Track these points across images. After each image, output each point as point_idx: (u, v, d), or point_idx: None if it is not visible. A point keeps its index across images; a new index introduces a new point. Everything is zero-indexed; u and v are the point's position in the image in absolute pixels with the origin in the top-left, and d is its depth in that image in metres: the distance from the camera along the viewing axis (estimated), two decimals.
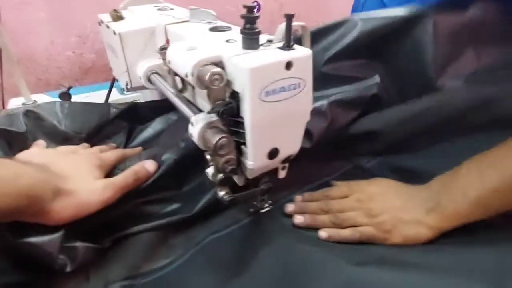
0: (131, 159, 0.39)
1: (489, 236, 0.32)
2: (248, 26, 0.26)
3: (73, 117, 0.43)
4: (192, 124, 0.28)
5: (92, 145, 0.42)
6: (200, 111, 0.32)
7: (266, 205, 0.37)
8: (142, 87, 0.45)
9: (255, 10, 0.26)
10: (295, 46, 0.27)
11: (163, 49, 0.32)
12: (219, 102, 0.27)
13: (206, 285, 0.30)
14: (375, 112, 0.44)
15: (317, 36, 0.44)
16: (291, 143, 0.30)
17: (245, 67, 0.24)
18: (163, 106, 0.47)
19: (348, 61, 0.43)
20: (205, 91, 0.29)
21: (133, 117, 0.48)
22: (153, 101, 0.50)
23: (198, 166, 0.39)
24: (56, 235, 0.28)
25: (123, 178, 0.33)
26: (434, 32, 0.40)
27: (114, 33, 0.40)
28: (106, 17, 0.46)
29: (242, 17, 0.26)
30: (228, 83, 0.26)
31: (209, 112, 0.28)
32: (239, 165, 0.31)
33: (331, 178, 0.42)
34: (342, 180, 0.41)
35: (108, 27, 0.43)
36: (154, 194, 0.37)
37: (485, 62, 0.42)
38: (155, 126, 0.47)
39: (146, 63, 0.41)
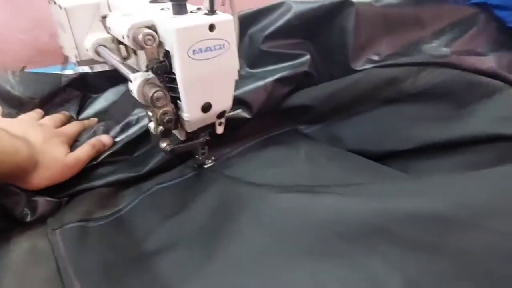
0: (87, 130, 0.43)
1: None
2: None
3: (25, 84, 0.47)
4: (131, 81, 0.32)
5: (45, 112, 0.46)
6: None
7: (209, 161, 0.42)
8: (91, 61, 0.47)
9: None
10: (218, 12, 0.31)
11: (104, 17, 0.35)
12: (153, 60, 0.31)
13: (150, 226, 0.34)
14: (306, 87, 0.49)
15: (257, 17, 0.48)
16: (222, 99, 0.35)
17: (173, 27, 0.28)
18: (113, 76, 0.51)
19: (284, 40, 0.48)
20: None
21: (84, 86, 0.51)
22: (103, 71, 0.52)
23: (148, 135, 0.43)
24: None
25: (85, 152, 0.39)
26: (356, 20, 0.46)
27: (60, 7, 0.42)
28: None
29: None
30: (161, 44, 0.30)
31: (146, 71, 0.32)
32: (179, 120, 0.35)
33: (270, 135, 0.47)
34: (281, 139, 0.47)
35: (55, 2, 0.45)
36: (107, 157, 0.41)
37: (393, 47, 0.48)
38: (107, 96, 0.50)
39: (93, 36, 0.44)
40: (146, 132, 0.42)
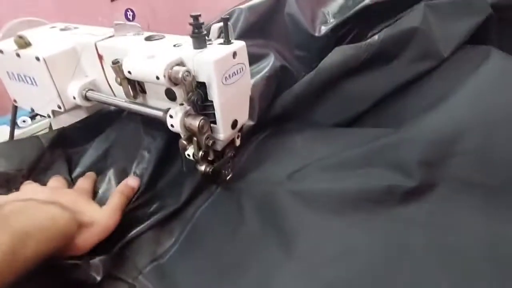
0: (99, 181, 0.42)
1: None
2: (196, 30, 0.34)
3: (6, 157, 0.42)
4: (171, 116, 0.34)
5: (34, 179, 0.42)
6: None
7: (230, 172, 0.45)
8: (74, 108, 0.46)
9: (199, 17, 0.34)
10: (232, 40, 0.36)
11: (115, 63, 0.36)
12: (190, 93, 0.34)
13: (215, 245, 0.37)
14: (288, 88, 0.54)
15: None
16: (243, 114, 0.40)
17: (210, 60, 0.32)
18: (90, 125, 0.48)
19: (249, 41, 0.53)
20: (160, 92, 0.36)
21: (65, 142, 0.47)
22: (80, 121, 0.48)
23: (166, 165, 0.45)
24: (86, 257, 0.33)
25: (118, 199, 0.38)
26: (296, 1, 0.53)
27: (38, 59, 0.40)
28: (7, 45, 0.44)
29: (191, 24, 0.33)
30: (193, 78, 0.34)
31: (181, 104, 0.35)
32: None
33: (266, 134, 0.53)
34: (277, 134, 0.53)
35: (18, 55, 0.42)
36: (136, 200, 0.41)
37: (335, 5, 0.56)
38: (97, 146, 0.47)
39: (76, 82, 0.43)
40: (160, 163, 0.44)
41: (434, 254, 0.34)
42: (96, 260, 0.34)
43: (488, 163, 0.38)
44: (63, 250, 0.32)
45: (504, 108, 0.39)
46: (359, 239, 0.36)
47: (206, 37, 0.36)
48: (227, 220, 0.40)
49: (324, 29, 0.54)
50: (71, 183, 0.44)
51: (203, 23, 0.34)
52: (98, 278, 0.33)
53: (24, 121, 0.64)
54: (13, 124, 0.55)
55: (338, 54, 0.50)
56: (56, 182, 0.41)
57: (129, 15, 0.90)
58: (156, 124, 0.44)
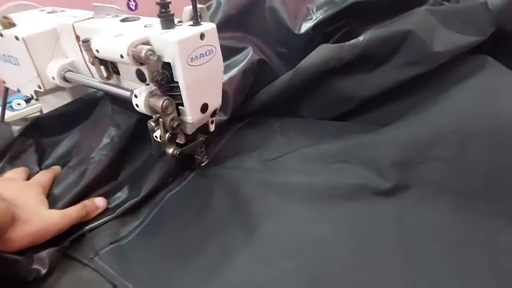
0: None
1: None
2: (163, 10, 0.33)
3: None
4: (136, 96, 0.34)
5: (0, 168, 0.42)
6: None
7: (204, 159, 0.45)
8: (56, 89, 0.46)
9: None
10: (202, 22, 0.35)
11: (85, 41, 0.36)
12: (155, 73, 0.33)
13: (179, 227, 0.37)
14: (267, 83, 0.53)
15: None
16: (215, 98, 0.39)
17: (174, 40, 0.32)
18: (66, 116, 0.47)
19: (227, 34, 0.51)
20: (131, 72, 0.36)
21: (38, 132, 0.46)
22: (56, 110, 0.47)
23: (128, 155, 0.44)
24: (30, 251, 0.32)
25: (76, 211, 0.36)
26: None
27: (17, 38, 0.41)
28: None
29: (157, 3, 0.33)
30: (158, 58, 0.33)
31: (147, 84, 0.35)
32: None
33: (245, 122, 0.52)
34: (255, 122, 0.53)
35: (2, 35, 0.43)
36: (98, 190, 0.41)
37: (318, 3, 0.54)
38: (70, 138, 0.47)
39: (55, 63, 0.43)
40: (122, 152, 0.43)
41: (400, 251, 0.33)
42: (43, 253, 0.32)
43: (462, 170, 0.38)
44: None
45: (484, 122, 0.39)
46: (325, 231, 0.35)
47: (177, 19, 0.36)
48: (195, 204, 0.39)
49: (306, 26, 0.52)
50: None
51: (169, 3, 0.33)
52: (43, 271, 0.32)
53: (19, 104, 0.65)
54: (4, 106, 0.56)
55: (319, 54, 0.49)
56: (13, 173, 0.40)
57: (132, 4, 0.91)
58: (124, 113, 0.44)
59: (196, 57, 0.34)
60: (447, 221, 0.35)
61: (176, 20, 0.36)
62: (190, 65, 0.34)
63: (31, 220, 0.32)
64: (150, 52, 0.32)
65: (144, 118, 0.46)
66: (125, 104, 0.43)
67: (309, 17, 0.53)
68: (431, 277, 0.30)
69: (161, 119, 0.35)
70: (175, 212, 0.39)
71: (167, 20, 0.34)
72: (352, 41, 0.48)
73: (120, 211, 0.38)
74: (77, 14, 0.44)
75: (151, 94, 0.34)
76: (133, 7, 0.94)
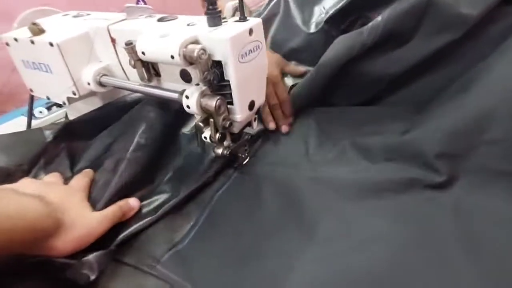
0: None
1: None
2: (211, 7, 0.32)
3: (6, 151, 0.41)
4: (187, 97, 0.33)
5: (35, 175, 0.41)
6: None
7: (247, 157, 0.44)
8: (88, 94, 0.45)
9: None
10: (248, 18, 0.34)
11: (128, 44, 0.35)
12: (206, 72, 0.33)
13: (235, 227, 0.36)
14: None
15: None
16: (260, 95, 0.38)
17: (225, 37, 0.31)
18: (98, 119, 0.46)
19: None
20: (175, 73, 0.35)
21: (70, 136, 0.45)
22: (86, 114, 0.46)
23: (163, 157, 0.44)
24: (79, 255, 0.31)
25: (113, 212, 0.35)
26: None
27: (51, 44, 0.40)
28: (21, 33, 0.44)
29: (205, 0, 0.32)
30: (209, 56, 0.32)
31: (196, 84, 0.34)
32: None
33: None
34: None
35: (33, 42, 0.42)
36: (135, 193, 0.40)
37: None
38: (101, 141, 0.45)
39: (90, 68, 0.42)
40: (157, 153, 0.43)
41: (462, 241, 0.32)
42: (90, 257, 0.32)
43: None
44: (39, 249, 0.30)
45: None
46: (383, 227, 0.34)
47: (221, 16, 0.35)
48: (245, 203, 0.39)
49: (319, 23, 0.52)
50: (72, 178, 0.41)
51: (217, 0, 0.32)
52: (93, 277, 0.31)
53: (40, 112, 0.64)
54: (30, 115, 0.55)
55: (339, 45, 0.47)
56: (51, 177, 0.39)
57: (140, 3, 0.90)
58: (156, 113, 0.43)
59: (245, 53, 0.33)
60: (506, 206, 0.34)
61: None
62: (240, 62, 0.33)
63: (75, 225, 0.32)
64: (202, 51, 0.31)
65: (177, 117, 0.46)
66: (160, 105, 0.43)
67: (321, 15, 0.53)
68: (501, 266, 0.30)
69: (211, 119, 0.35)
70: (227, 213, 0.38)
71: (215, 17, 0.33)
72: (370, 24, 0.46)
73: (161, 212, 0.38)
74: (107, 17, 0.43)
75: (203, 94, 0.33)
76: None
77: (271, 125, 0.49)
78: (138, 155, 0.40)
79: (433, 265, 0.31)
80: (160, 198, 0.40)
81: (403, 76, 0.49)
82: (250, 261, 0.33)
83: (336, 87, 0.54)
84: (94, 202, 0.37)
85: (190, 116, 0.45)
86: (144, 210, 0.39)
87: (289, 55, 0.54)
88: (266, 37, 0.54)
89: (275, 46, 0.55)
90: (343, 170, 0.41)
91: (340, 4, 0.50)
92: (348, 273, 0.30)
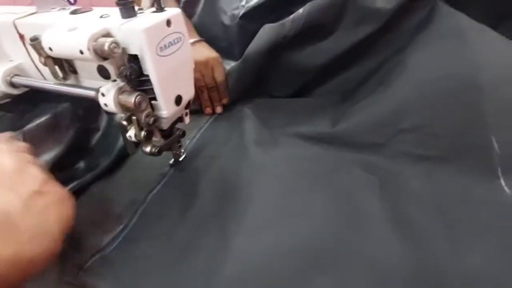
0: None
1: None
2: None
3: None
4: (103, 95, 0.31)
5: None
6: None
7: (182, 151, 0.43)
8: (4, 96, 0.41)
9: None
10: (166, 8, 0.33)
11: (34, 39, 0.32)
12: (122, 68, 0.31)
13: (166, 228, 0.35)
14: None
15: None
16: (188, 89, 0.37)
17: (139, 29, 0.29)
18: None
19: None
20: (92, 70, 0.33)
21: None
22: None
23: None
24: None
25: None
26: None
27: None
28: None
29: None
30: (123, 50, 0.31)
31: (113, 80, 0.32)
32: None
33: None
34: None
35: None
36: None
37: None
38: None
39: None
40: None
41: (389, 219, 0.33)
42: None
43: (429, 136, 0.39)
44: None
45: (443, 83, 0.39)
46: (316, 201, 0.35)
47: (137, 7, 0.33)
48: (180, 201, 0.38)
49: (232, 17, 0.53)
50: None
51: None
52: None
53: None
54: None
55: (262, 37, 0.49)
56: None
57: None
58: None
59: (165, 46, 0.32)
60: (424, 186, 0.36)
61: (136, 9, 0.33)
62: (159, 55, 0.31)
63: None
64: (114, 44, 0.29)
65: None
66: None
67: (237, 9, 0.54)
68: (420, 237, 0.32)
69: (134, 117, 0.33)
70: (159, 213, 0.37)
71: (127, 8, 0.31)
72: (292, 16, 0.48)
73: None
74: (16, 11, 0.39)
75: (121, 91, 0.31)
76: (72, 0, 0.85)
77: (208, 110, 0.52)
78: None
79: (361, 237, 0.32)
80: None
81: (330, 67, 0.51)
82: (184, 260, 0.32)
83: (268, 79, 0.55)
84: None
85: None
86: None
87: (210, 43, 0.54)
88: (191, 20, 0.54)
89: (198, 31, 0.55)
90: (277, 154, 0.41)
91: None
92: (275, 245, 0.31)
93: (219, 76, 0.51)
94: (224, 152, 0.44)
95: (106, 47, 0.28)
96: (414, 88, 0.40)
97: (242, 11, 0.52)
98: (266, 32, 0.49)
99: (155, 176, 0.41)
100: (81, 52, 0.29)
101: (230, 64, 0.54)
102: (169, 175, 0.41)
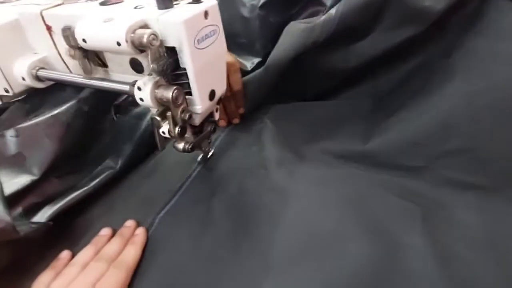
0: None
1: None
2: None
3: None
4: (140, 88, 0.30)
5: None
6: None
7: (211, 150, 0.42)
8: (25, 91, 0.40)
9: None
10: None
11: (66, 30, 0.30)
12: (159, 61, 0.29)
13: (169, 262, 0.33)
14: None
15: None
16: (221, 83, 0.36)
17: (179, 21, 0.28)
18: None
19: None
20: (123, 63, 0.32)
21: None
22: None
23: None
24: None
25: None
26: None
27: None
28: None
29: None
30: (161, 42, 0.29)
31: (149, 74, 0.31)
32: None
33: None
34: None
35: None
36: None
37: None
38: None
39: (23, 61, 0.37)
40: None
41: (434, 256, 0.29)
42: None
43: (479, 160, 0.34)
44: None
45: (495, 95, 0.33)
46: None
47: None
48: (192, 227, 0.36)
49: (251, 8, 0.47)
50: None
51: None
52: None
53: None
54: None
55: (287, 43, 0.43)
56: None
57: None
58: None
59: (202, 38, 0.30)
60: (473, 217, 0.31)
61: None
62: (197, 48, 0.30)
63: None
64: (153, 36, 0.28)
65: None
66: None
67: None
68: (469, 277, 0.27)
69: (169, 112, 0.32)
70: (170, 239, 0.35)
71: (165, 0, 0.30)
72: (323, 18, 0.42)
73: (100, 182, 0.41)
74: (39, 1, 0.38)
75: (157, 85, 0.30)
76: None
77: (222, 123, 0.47)
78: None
79: (402, 276, 0.28)
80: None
81: (361, 70, 0.47)
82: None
83: (290, 81, 0.50)
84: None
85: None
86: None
87: (228, 40, 0.50)
88: None
89: None
90: (301, 177, 0.37)
91: None
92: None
93: (236, 85, 0.46)
94: (243, 167, 0.40)
95: (145, 39, 0.27)
96: (462, 99, 0.35)
97: (262, 0, 0.47)
98: (292, 36, 0.44)
99: (181, 175, 0.39)
100: (118, 44, 0.28)
101: (251, 61, 0.51)
102: (193, 175, 0.40)
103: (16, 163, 0.39)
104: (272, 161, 0.39)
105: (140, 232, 0.35)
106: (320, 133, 0.43)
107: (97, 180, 0.43)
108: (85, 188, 0.42)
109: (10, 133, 0.39)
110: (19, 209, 0.38)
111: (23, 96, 0.40)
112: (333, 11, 0.41)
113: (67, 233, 0.38)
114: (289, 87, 0.51)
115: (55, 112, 0.40)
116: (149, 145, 0.47)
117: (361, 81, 0.50)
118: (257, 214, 0.34)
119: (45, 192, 0.40)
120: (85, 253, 0.33)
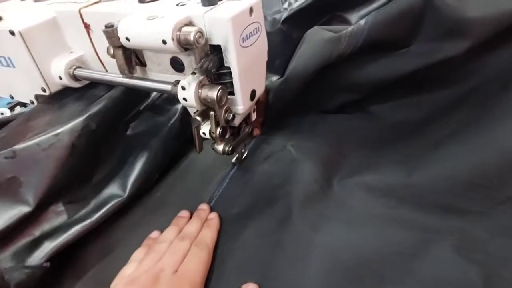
0: None
1: None
2: None
3: None
4: (184, 88, 0.29)
5: None
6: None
7: (246, 151, 0.41)
8: (63, 90, 0.40)
9: None
10: None
11: (109, 26, 0.30)
12: (204, 59, 0.28)
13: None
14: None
15: None
16: (261, 83, 0.35)
17: (225, 17, 0.27)
18: None
19: None
20: (164, 62, 0.31)
21: None
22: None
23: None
24: None
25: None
26: None
27: (12, 33, 0.34)
28: None
29: None
30: (206, 40, 0.28)
31: (193, 73, 0.30)
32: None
33: None
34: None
35: None
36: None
37: None
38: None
39: (60, 60, 0.37)
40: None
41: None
42: None
43: None
44: None
45: None
46: None
47: None
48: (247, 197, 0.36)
49: (272, 22, 0.43)
50: None
51: None
52: None
53: (2, 114, 0.57)
54: None
55: (308, 55, 0.39)
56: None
57: None
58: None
59: (246, 36, 0.29)
60: None
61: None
62: (242, 46, 0.29)
63: None
64: (199, 34, 0.27)
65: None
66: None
67: (280, 12, 0.44)
68: None
69: (211, 112, 0.31)
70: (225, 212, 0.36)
71: None
72: (351, 28, 0.38)
73: (105, 212, 0.37)
74: (76, 0, 0.38)
75: (201, 85, 0.29)
76: None
77: (257, 131, 0.44)
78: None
79: None
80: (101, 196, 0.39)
81: (391, 85, 0.42)
82: None
83: (310, 92, 0.45)
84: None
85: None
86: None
87: None
88: None
89: None
90: (329, 227, 0.33)
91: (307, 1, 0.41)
92: None
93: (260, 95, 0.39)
94: (259, 208, 0.37)
95: (191, 37, 0.26)
96: None
97: (285, 15, 0.43)
98: (315, 47, 0.39)
99: (218, 179, 0.39)
100: (164, 42, 0.27)
101: (269, 79, 0.45)
102: (231, 174, 0.39)
103: (9, 190, 0.33)
104: (298, 206, 0.36)
105: (214, 216, 0.37)
106: (350, 162, 0.39)
107: (102, 211, 0.37)
108: (89, 220, 0.37)
109: (5, 154, 0.34)
110: (10, 249, 0.32)
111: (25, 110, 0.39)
112: (362, 21, 0.38)
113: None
114: (309, 98, 0.47)
115: (59, 130, 0.35)
116: (164, 166, 0.43)
117: (392, 99, 0.45)
118: (281, 271, 0.32)
119: (42, 226, 0.35)
120: (170, 231, 0.36)
